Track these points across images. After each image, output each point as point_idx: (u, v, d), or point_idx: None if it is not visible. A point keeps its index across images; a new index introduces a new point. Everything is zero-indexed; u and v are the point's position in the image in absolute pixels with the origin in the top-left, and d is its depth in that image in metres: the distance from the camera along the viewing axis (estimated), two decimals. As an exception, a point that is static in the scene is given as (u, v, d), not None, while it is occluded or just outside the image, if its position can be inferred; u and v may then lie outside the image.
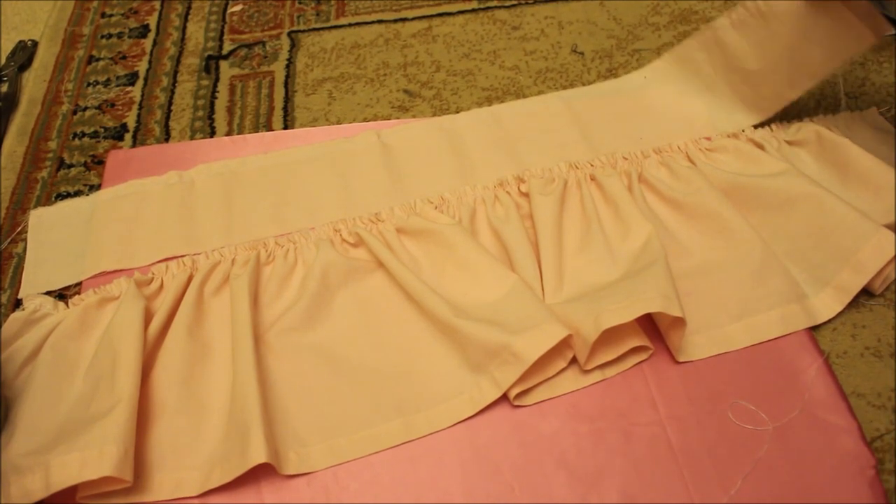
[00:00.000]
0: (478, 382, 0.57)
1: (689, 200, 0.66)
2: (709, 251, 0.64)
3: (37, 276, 0.67)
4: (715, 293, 0.62)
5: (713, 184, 0.66)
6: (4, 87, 0.85)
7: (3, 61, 0.88)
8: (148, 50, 0.89)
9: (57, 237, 0.70)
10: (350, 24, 0.90)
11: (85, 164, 0.77)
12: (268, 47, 0.88)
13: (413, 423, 0.57)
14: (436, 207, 0.67)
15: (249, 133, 0.78)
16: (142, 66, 0.87)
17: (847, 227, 0.61)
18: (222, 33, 0.90)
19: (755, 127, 0.73)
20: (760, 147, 0.70)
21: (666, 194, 0.67)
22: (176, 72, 0.86)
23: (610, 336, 0.57)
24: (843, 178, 0.67)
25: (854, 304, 0.61)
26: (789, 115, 0.76)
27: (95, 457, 0.50)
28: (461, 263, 0.63)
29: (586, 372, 0.58)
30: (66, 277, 0.67)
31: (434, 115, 0.79)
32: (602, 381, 0.59)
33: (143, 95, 0.84)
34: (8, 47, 0.90)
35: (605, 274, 0.63)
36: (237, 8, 0.93)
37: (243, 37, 0.90)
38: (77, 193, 0.74)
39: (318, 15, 0.92)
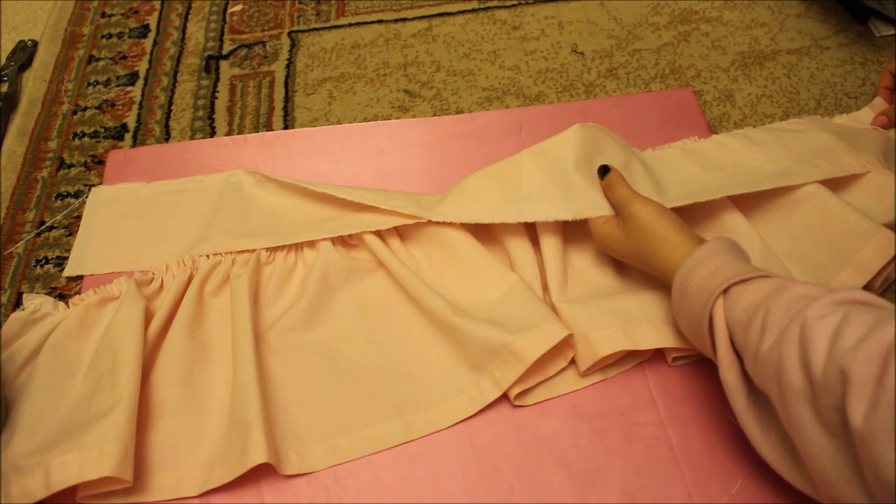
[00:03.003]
0: (478, 382, 0.57)
1: (699, 204, 0.65)
2: None
3: (84, 257, 0.68)
4: None
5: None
6: (4, 87, 0.85)
7: (3, 61, 0.88)
8: (148, 50, 0.89)
9: (112, 220, 0.70)
10: (350, 24, 0.90)
11: (85, 164, 0.77)
12: (268, 47, 0.88)
13: (413, 423, 0.57)
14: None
15: (249, 133, 0.78)
16: (142, 66, 0.87)
17: (847, 227, 0.61)
18: (222, 33, 0.90)
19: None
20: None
21: None
22: (176, 72, 0.86)
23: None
24: (842, 178, 0.67)
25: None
26: (789, 116, 0.77)
27: (95, 457, 0.50)
28: (461, 263, 0.63)
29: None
30: (116, 264, 0.67)
31: (434, 114, 0.79)
32: (602, 381, 0.59)
33: (143, 95, 0.84)
34: (8, 47, 0.90)
35: (608, 272, 0.63)
36: (237, 8, 0.93)
37: (243, 37, 0.90)
38: (77, 193, 0.74)
39: (318, 15, 0.92)
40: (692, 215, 0.64)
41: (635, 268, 0.60)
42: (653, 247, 0.55)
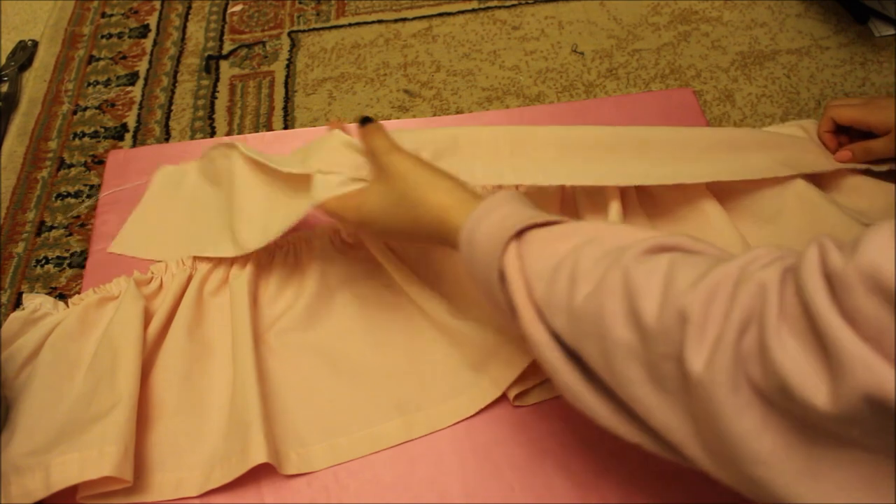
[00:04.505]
0: (477, 382, 0.58)
1: (681, 200, 0.65)
2: None
3: (132, 238, 0.67)
4: None
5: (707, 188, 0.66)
6: (4, 87, 0.85)
7: (3, 61, 0.88)
8: (148, 50, 0.89)
9: (172, 205, 0.69)
10: (350, 24, 0.90)
11: (85, 164, 0.77)
12: (268, 47, 0.88)
13: (413, 423, 0.57)
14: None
15: (249, 133, 0.78)
16: (142, 66, 0.87)
17: (839, 232, 0.61)
18: (222, 33, 0.90)
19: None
20: None
21: (657, 195, 0.66)
22: (176, 72, 0.86)
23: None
24: (834, 181, 0.67)
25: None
26: (789, 116, 0.77)
27: (95, 457, 0.50)
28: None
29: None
30: (160, 251, 0.67)
31: (434, 115, 0.79)
32: (602, 381, 0.59)
33: (143, 95, 0.84)
34: (8, 47, 0.90)
35: None
36: (237, 8, 0.93)
37: (243, 37, 0.90)
38: (77, 193, 0.74)
39: (318, 15, 0.92)
40: (676, 210, 0.64)
41: None
42: (418, 196, 0.47)
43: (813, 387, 0.30)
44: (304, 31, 0.90)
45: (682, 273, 0.36)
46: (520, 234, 0.43)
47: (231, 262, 0.64)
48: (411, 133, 0.57)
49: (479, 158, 0.59)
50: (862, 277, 0.29)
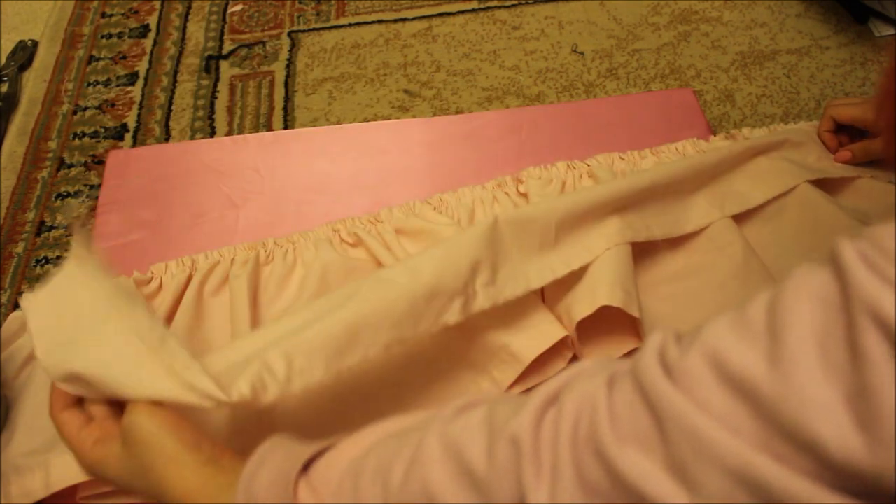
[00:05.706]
0: (477, 382, 0.57)
1: None
2: (693, 254, 0.63)
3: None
4: (698, 295, 0.61)
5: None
6: (4, 87, 0.85)
7: (3, 61, 0.88)
8: (148, 50, 0.89)
9: None
10: (350, 24, 0.90)
11: (85, 164, 0.77)
12: (268, 47, 0.88)
13: (412, 423, 0.57)
14: (434, 208, 0.67)
15: (249, 133, 0.78)
16: (142, 66, 0.87)
17: (839, 232, 0.60)
18: (222, 33, 0.90)
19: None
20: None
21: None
22: (176, 72, 0.86)
23: (609, 337, 0.57)
24: (835, 183, 0.67)
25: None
26: (789, 116, 0.77)
27: (95, 457, 0.50)
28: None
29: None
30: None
31: (434, 114, 0.79)
32: (601, 382, 0.59)
33: (143, 95, 0.84)
34: (8, 47, 0.90)
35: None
36: (237, 8, 0.93)
37: (243, 37, 0.90)
38: (77, 193, 0.74)
39: (318, 15, 0.92)
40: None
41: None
42: (159, 474, 0.39)
43: (672, 496, 0.26)
44: (304, 31, 0.90)
45: (503, 410, 0.32)
46: (305, 469, 0.37)
47: (231, 261, 0.64)
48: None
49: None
50: (707, 366, 0.27)
